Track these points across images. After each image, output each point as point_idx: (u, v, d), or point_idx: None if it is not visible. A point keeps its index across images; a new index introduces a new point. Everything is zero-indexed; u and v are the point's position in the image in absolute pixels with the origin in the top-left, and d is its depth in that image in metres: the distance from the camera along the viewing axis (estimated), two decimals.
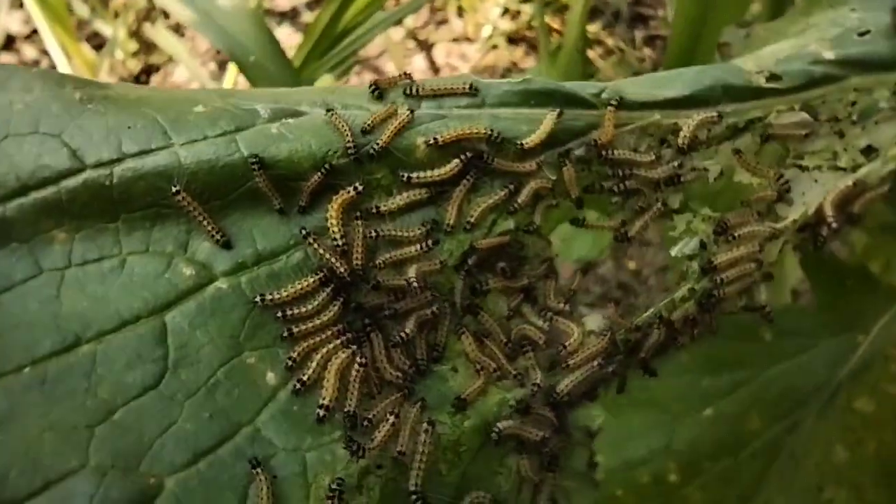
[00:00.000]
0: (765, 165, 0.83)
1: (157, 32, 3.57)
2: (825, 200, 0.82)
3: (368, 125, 0.70)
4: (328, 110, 0.70)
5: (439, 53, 3.77)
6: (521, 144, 0.75)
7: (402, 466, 0.64)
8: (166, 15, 3.76)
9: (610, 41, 3.49)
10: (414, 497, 0.63)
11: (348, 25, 1.90)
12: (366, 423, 0.64)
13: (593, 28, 3.48)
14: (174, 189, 0.64)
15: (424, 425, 0.64)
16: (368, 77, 3.66)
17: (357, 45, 2.03)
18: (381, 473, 0.63)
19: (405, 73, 0.77)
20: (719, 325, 1.09)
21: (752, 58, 0.88)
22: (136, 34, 3.80)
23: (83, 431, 0.56)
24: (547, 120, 0.76)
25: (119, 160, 0.63)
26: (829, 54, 0.84)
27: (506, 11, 3.74)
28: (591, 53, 3.23)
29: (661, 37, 3.47)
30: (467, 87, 0.75)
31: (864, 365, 1.08)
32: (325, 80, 2.09)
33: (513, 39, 3.69)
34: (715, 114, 0.81)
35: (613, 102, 0.78)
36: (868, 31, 0.86)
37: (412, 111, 0.72)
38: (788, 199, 0.84)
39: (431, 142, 0.71)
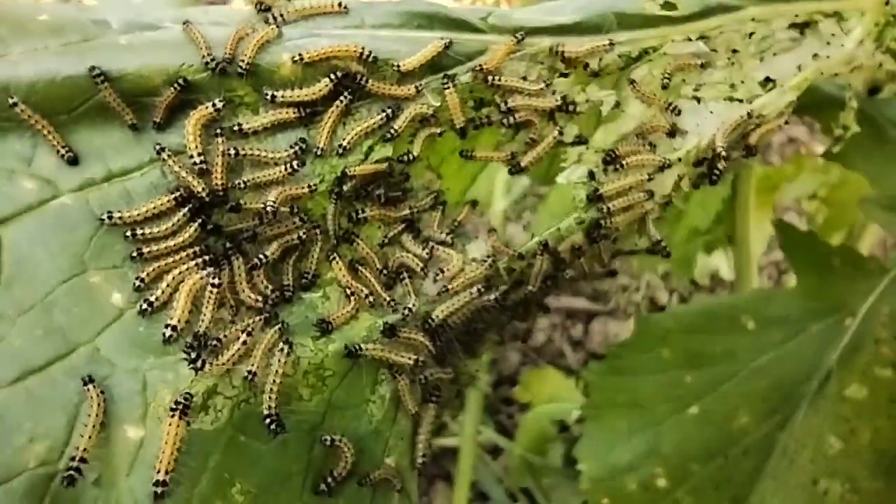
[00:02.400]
0: (659, 96, 0.81)
1: None
2: (717, 131, 0.80)
3: (230, 43, 0.67)
4: (185, 23, 0.66)
5: None
6: (398, 66, 0.72)
7: (257, 389, 0.61)
8: None
9: None
10: (268, 420, 0.60)
11: None
12: (215, 342, 0.61)
13: None
14: (11, 101, 0.60)
15: (280, 345, 0.62)
16: None
17: None
18: (232, 395, 0.60)
19: None
20: (698, 319, 1.02)
21: None
22: None
23: None
24: (431, 45, 0.73)
25: None
26: None
27: None
28: None
29: None
30: (337, 5, 0.72)
31: (853, 349, 1.00)
32: None
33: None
34: (606, 41, 0.79)
35: (518, 36, 0.76)
36: None
37: (278, 26, 0.69)
38: (683, 131, 0.82)
39: (297, 58, 0.68)
